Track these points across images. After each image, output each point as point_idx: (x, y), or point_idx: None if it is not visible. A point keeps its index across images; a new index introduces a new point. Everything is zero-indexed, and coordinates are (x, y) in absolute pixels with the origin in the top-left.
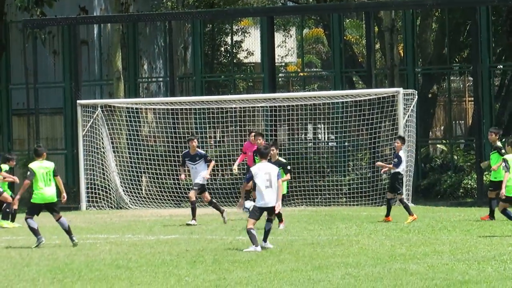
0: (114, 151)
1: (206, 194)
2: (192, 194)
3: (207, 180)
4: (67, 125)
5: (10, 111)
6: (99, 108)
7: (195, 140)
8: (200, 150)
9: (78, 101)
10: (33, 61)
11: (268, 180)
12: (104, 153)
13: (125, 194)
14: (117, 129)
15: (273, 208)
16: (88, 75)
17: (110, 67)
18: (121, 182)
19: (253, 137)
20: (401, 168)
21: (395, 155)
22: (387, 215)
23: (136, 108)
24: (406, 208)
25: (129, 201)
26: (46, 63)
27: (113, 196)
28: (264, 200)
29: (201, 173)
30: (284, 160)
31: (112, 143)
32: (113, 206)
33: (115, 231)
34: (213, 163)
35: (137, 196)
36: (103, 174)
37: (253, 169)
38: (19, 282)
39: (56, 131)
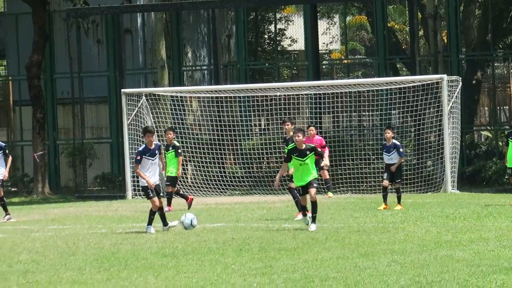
0: (159, 140)
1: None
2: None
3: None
4: (112, 114)
5: (55, 100)
6: (143, 97)
7: None
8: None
9: (122, 90)
10: (77, 50)
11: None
12: None
13: None
14: (162, 118)
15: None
16: (132, 63)
17: (154, 56)
18: None
19: (311, 131)
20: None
21: (393, 145)
22: (386, 202)
23: (181, 97)
24: (400, 198)
25: None
26: (90, 52)
27: (159, 185)
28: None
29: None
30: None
31: (157, 131)
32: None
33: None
34: (10, 158)
35: (182, 185)
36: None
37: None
38: (65, 271)
39: (101, 120)
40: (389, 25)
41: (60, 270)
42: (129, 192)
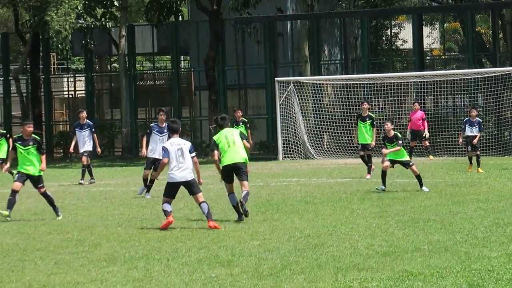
0: (302, 116)
1: None
2: None
3: None
4: (268, 96)
5: (225, 86)
6: (291, 84)
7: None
8: None
9: (276, 78)
10: (242, 49)
11: (181, 155)
12: (295, 117)
13: (311, 147)
14: (305, 99)
15: (187, 182)
16: (283, 59)
17: (299, 53)
18: (308, 138)
19: (415, 106)
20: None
21: (477, 122)
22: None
23: (319, 84)
24: (479, 162)
25: (314, 153)
26: (251, 50)
27: (302, 149)
28: (175, 175)
29: None
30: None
31: (301, 109)
32: (302, 157)
33: (304, 175)
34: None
35: (320, 149)
36: (295, 132)
37: (166, 145)
38: (233, 213)
39: (260, 101)
40: (476, 29)
41: (228, 213)
42: (280, 155)
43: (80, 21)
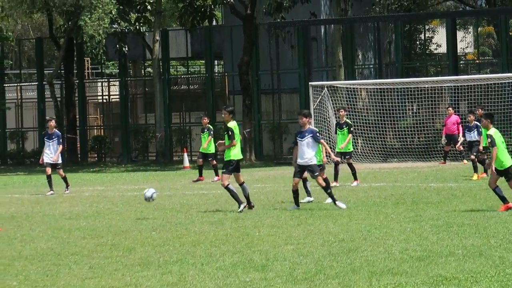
0: (336, 120)
1: None
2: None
3: None
4: (302, 101)
5: (259, 90)
6: (325, 88)
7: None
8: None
9: (310, 83)
10: (276, 53)
11: None
12: (329, 121)
13: None
14: (338, 104)
15: None
16: (317, 63)
17: (333, 57)
18: None
19: (449, 111)
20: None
21: (475, 126)
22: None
23: (353, 88)
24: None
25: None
26: (285, 55)
27: (336, 154)
28: None
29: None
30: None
31: (335, 114)
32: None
33: (338, 180)
34: (61, 147)
35: (354, 153)
36: (328, 137)
37: None
38: (266, 218)
39: (293, 106)
40: (510, 33)
41: (262, 217)
42: None
43: (114, 26)
